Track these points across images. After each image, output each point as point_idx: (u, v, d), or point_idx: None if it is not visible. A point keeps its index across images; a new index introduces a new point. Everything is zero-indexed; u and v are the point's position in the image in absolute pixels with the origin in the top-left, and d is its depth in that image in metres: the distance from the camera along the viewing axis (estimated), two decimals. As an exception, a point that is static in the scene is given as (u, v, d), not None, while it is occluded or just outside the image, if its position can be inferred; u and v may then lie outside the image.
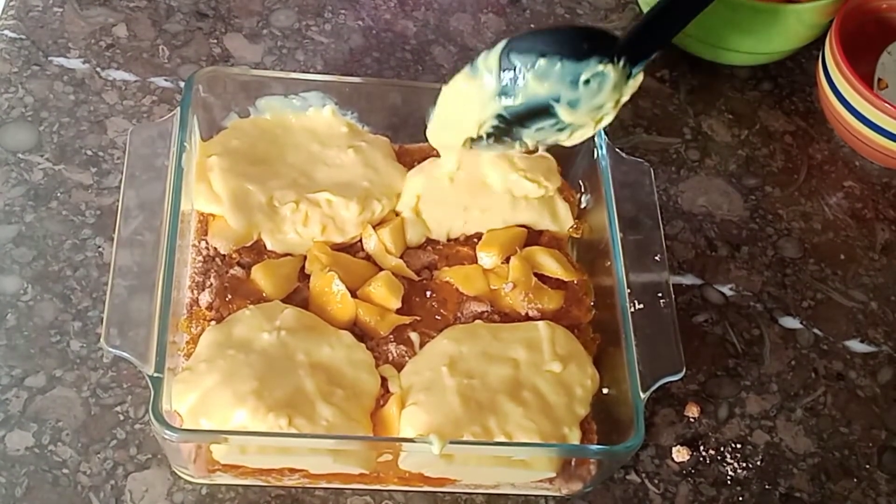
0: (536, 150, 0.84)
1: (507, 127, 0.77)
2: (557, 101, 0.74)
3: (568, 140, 0.78)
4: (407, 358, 0.77)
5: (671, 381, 0.75)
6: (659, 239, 0.82)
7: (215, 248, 0.80)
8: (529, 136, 0.78)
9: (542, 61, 0.73)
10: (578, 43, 0.74)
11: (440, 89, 0.78)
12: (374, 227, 0.82)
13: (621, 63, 0.75)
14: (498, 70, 0.74)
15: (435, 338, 0.78)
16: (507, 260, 0.82)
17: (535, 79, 0.74)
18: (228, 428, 0.70)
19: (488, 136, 0.78)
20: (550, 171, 0.86)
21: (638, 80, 0.77)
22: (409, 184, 0.84)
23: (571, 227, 0.86)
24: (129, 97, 0.96)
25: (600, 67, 0.74)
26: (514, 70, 0.74)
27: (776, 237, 0.98)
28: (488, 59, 0.75)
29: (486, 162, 0.84)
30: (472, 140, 0.79)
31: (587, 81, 0.74)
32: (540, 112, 0.75)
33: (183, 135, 0.79)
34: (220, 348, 0.73)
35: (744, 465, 0.84)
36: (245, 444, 0.71)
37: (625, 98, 0.77)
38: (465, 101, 0.77)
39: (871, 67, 1.03)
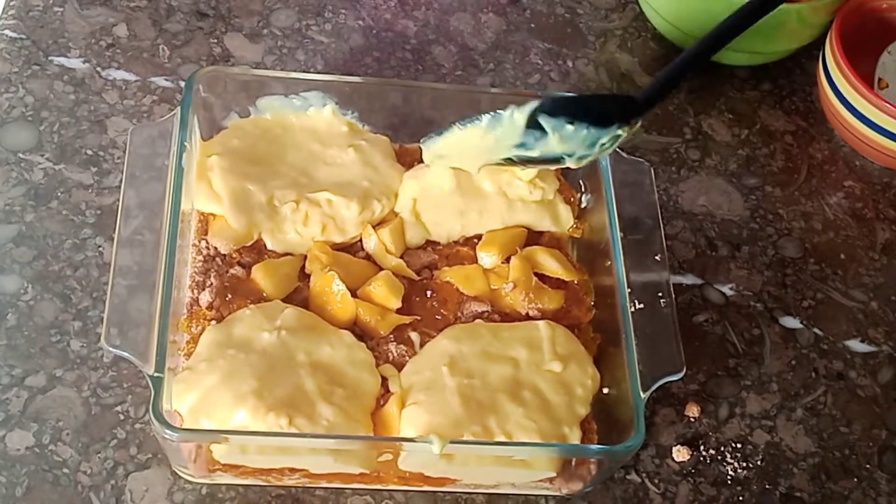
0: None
1: (511, 164, 0.80)
2: (571, 156, 0.77)
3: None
4: (407, 357, 0.77)
5: (671, 381, 0.75)
6: (659, 238, 0.82)
7: (215, 248, 0.80)
8: (530, 168, 0.82)
9: (569, 127, 0.76)
10: (607, 112, 0.77)
11: (451, 125, 0.80)
12: (373, 227, 0.82)
13: (637, 124, 0.78)
14: (524, 127, 0.76)
15: (435, 337, 0.78)
16: (508, 260, 0.82)
17: (559, 140, 0.76)
18: (229, 428, 0.70)
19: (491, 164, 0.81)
20: (548, 174, 0.85)
21: (637, 126, 0.79)
22: (405, 186, 0.84)
23: (571, 226, 0.86)
24: (129, 97, 0.96)
25: (619, 132, 0.77)
26: (540, 131, 0.76)
27: (776, 237, 0.98)
28: (515, 116, 0.76)
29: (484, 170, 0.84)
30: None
31: (604, 143, 0.77)
32: (550, 160, 0.79)
33: (183, 134, 0.79)
34: (221, 348, 0.73)
35: (744, 464, 0.84)
36: (245, 443, 0.71)
37: (622, 142, 0.80)
38: (477, 146, 0.79)
39: (871, 67, 1.03)
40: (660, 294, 0.79)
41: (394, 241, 0.82)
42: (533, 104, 0.76)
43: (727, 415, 0.87)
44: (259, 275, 0.78)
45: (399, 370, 0.76)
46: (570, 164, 0.78)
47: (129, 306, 0.72)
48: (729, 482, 0.83)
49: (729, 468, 0.84)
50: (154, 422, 0.67)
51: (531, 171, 0.84)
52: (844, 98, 0.98)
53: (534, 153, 0.77)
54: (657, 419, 0.85)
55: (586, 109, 0.77)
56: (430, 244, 0.84)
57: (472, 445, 0.72)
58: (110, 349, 0.70)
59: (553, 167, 0.82)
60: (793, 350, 0.91)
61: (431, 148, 0.82)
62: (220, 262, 0.79)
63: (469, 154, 0.81)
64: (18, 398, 0.79)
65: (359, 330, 0.78)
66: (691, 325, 0.90)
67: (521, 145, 0.77)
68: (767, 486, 0.84)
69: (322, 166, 0.84)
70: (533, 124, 0.76)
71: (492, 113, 0.77)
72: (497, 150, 0.78)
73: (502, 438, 0.72)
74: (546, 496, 0.80)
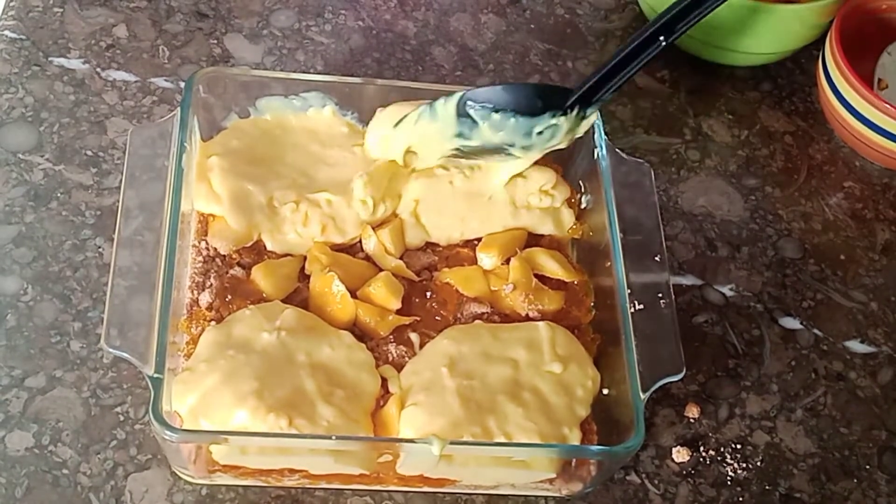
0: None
1: (465, 156, 0.82)
2: (512, 146, 0.80)
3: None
4: (407, 358, 0.77)
5: (671, 382, 0.75)
6: (659, 239, 0.82)
7: (215, 249, 0.80)
8: (486, 161, 0.83)
9: (495, 115, 0.78)
10: (532, 101, 0.78)
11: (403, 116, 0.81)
12: (373, 229, 0.82)
13: (574, 112, 0.79)
14: (455, 116, 0.79)
15: (435, 338, 0.78)
16: (508, 261, 0.82)
17: (490, 129, 0.79)
18: (228, 428, 0.70)
19: (448, 157, 0.82)
20: (559, 183, 0.86)
21: (592, 118, 0.81)
22: (409, 188, 0.84)
23: (571, 227, 0.86)
24: (129, 97, 0.96)
25: (553, 121, 0.79)
26: (470, 119, 0.79)
27: (776, 237, 0.98)
28: (447, 106, 0.79)
29: (498, 179, 0.85)
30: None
31: (540, 132, 0.79)
32: (496, 151, 0.81)
33: (183, 135, 0.79)
34: (221, 348, 0.73)
35: (744, 465, 0.84)
36: (245, 444, 0.71)
37: (579, 134, 0.82)
38: (430, 137, 0.81)
39: (871, 67, 1.03)
40: (660, 295, 0.79)
41: (393, 243, 0.82)
42: (459, 93, 0.79)
43: (727, 415, 0.87)
44: (259, 275, 0.78)
45: (399, 371, 0.76)
46: (517, 155, 0.80)
47: (129, 307, 0.72)
48: (729, 483, 0.83)
49: (729, 469, 0.84)
50: (154, 423, 0.67)
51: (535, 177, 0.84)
52: (844, 99, 0.98)
53: (474, 143, 0.80)
54: (657, 420, 0.85)
55: (510, 98, 0.78)
56: (430, 245, 0.84)
57: (472, 446, 0.72)
58: (110, 350, 0.70)
59: (504, 161, 0.82)
60: (793, 351, 0.91)
61: (389, 144, 0.83)
62: (219, 263, 0.79)
63: (425, 148, 0.82)
64: (18, 399, 0.79)
65: (358, 331, 0.78)
66: (691, 326, 0.90)
67: (460, 135, 0.79)
68: (767, 487, 0.84)
69: (322, 167, 0.84)
70: (464, 113, 0.78)
71: (428, 104, 0.80)
72: (443, 141, 0.81)
73: (502, 439, 0.72)
74: (546, 497, 0.80)
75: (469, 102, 0.78)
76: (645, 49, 0.80)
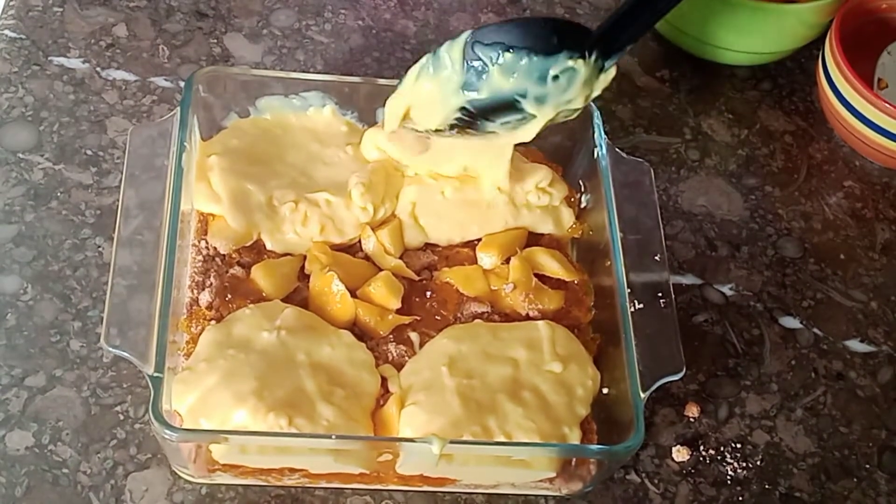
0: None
1: (472, 119, 0.75)
2: (524, 96, 0.73)
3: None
4: (406, 358, 0.77)
5: (671, 381, 0.75)
6: (659, 239, 0.82)
7: (215, 248, 0.80)
8: (495, 128, 0.76)
9: (507, 55, 0.71)
10: (548, 37, 0.71)
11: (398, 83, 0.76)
12: (372, 229, 0.82)
13: (593, 58, 0.72)
14: (462, 62, 0.72)
15: (434, 337, 0.78)
16: (508, 260, 0.82)
17: (501, 73, 0.72)
18: (228, 428, 0.70)
19: (451, 127, 0.76)
20: (556, 181, 0.85)
21: (610, 74, 0.74)
22: (404, 191, 0.84)
23: (571, 226, 0.86)
24: (129, 97, 0.96)
25: (570, 63, 0.72)
26: (479, 63, 0.72)
27: (776, 237, 0.98)
28: (452, 51, 0.72)
29: (493, 180, 0.83)
30: (437, 130, 0.78)
31: (556, 77, 0.72)
32: (506, 106, 0.74)
33: (183, 134, 0.79)
34: (220, 348, 0.73)
35: (744, 464, 0.84)
36: (245, 443, 0.71)
37: (595, 93, 0.75)
38: (431, 97, 0.74)
39: (870, 67, 1.03)
40: (659, 294, 0.79)
41: (392, 243, 0.82)
42: (467, 33, 0.72)
43: (727, 415, 0.87)
44: (258, 275, 0.78)
45: (399, 370, 0.76)
46: (530, 111, 0.73)
47: (129, 306, 0.72)
48: (728, 482, 0.83)
49: (728, 468, 0.84)
50: (154, 422, 0.67)
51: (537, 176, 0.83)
52: (844, 98, 0.98)
53: (482, 95, 0.73)
54: (657, 419, 0.85)
55: (523, 33, 0.71)
56: (430, 245, 0.84)
57: (472, 446, 0.72)
58: (110, 349, 0.70)
59: (514, 129, 0.76)
60: (792, 350, 0.91)
61: (391, 108, 0.78)
62: (219, 262, 0.79)
63: (426, 108, 0.76)
64: (18, 398, 0.79)
65: (358, 330, 0.78)
66: (691, 326, 0.90)
67: (466, 85, 0.73)
68: (767, 487, 0.84)
69: (321, 166, 0.84)
70: (472, 57, 0.72)
71: (431, 54, 0.74)
72: (447, 97, 0.74)
73: (502, 439, 0.72)
74: (546, 496, 0.80)
75: (477, 45, 0.71)
76: None
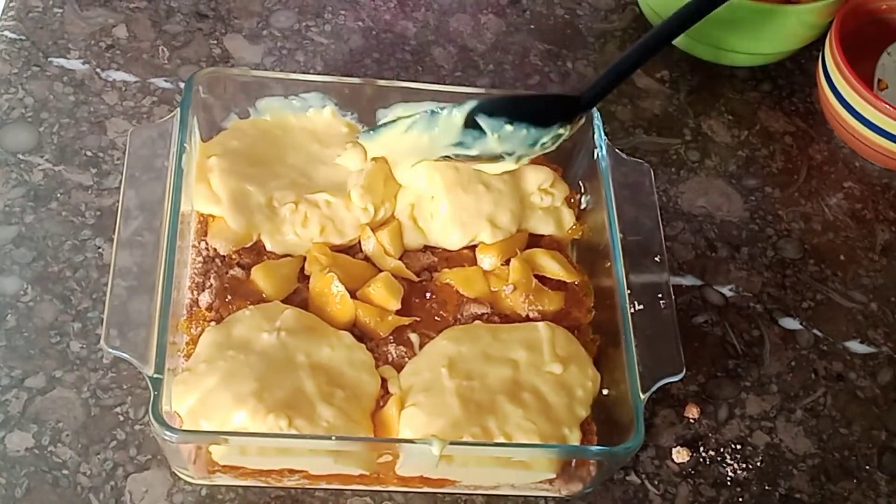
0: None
1: (448, 160, 0.80)
2: (510, 154, 0.78)
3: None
4: (406, 359, 0.77)
5: (671, 382, 0.75)
6: (659, 240, 0.82)
7: (215, 249, 0.80)
8: (469, 164, 0.81)
9: (508, 127, 0.76)
10: (548, 113, 0.77)
11: (386, 124, 0.81)
12: (372, 230, 0.82)
13: (580, 120, 0.79)
14: (461, 128, 0.77)
15: (434, 339, 0.78)
16: (507, 262, 0.82)
17: (498, 140, 0.77)
18: (228, 429, 0.70)
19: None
20: (557, 182, 0.85)
21: (580, 121, 0.80)
22: (401, 193, 0.84)
23: (571, 228, 0.86)
24: (129, 98, 0.96)
25: (560, 130, 0.77)
26: (479, 131, 0.76)
27: (776, 238, 0.98)
28: (454, 115, 0.76)
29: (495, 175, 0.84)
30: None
31: (545, 142, 0.78)
32: (489, 158, 0.79)
33: (183, 136, 0.79)
34: (220, 349, 0.73)
35: (744, 465, 0.84)
36: (245, 445, 0.71)
37: (565, 138, 0.80)
38: (413, 145, 0.79)
39: (870, 68, 1.03)
40: (659, 295, 0.79)
41: (392, 244, 0.82)
42: (471, 104, 0.76)
43: (727, 416, 0.87)
44: (258, 276, 0.78)
45: (398, 371, 0.76)
46: (509, 162, 0.79)
47: (129, 307, 0.72)
48: (728, 483, 0.83)
49: (728, 469, 0.84)
50: (153, 423, 0.67)
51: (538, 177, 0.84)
52: (844, 99, 0.98)
53: (472, 152, 0.78)
54: (657, 420, 0.85)
55: (527, 110, 0.77)
56: (430, 246, 0.84)
57: (472, 447, 0.72)
58: (110, 350, 0.70)
59: (491, 166, 0.81)
60: (792, 351, 0.91)
61: (368, 146, 0.83)
62: (219, 264, 0.79)
63: (408, 155, 0.81)
64: (18, 399, 0.79)
65: (358, 331, 0.78)
66: (691, 327, 0.90)
67: (460, 144, 0.78)
68: (767, 488, 0.84)
69: (321, 167, 0.84)
70: (471, 123, 0.76)
71: (428, 112, 0.77)
72: (433, 148, 0.79)
73: (502, 440, 0.72)
74: (546, 497, 0.80)
75: (482, 115, 0.76)
76: (648, 56, 0.79)
